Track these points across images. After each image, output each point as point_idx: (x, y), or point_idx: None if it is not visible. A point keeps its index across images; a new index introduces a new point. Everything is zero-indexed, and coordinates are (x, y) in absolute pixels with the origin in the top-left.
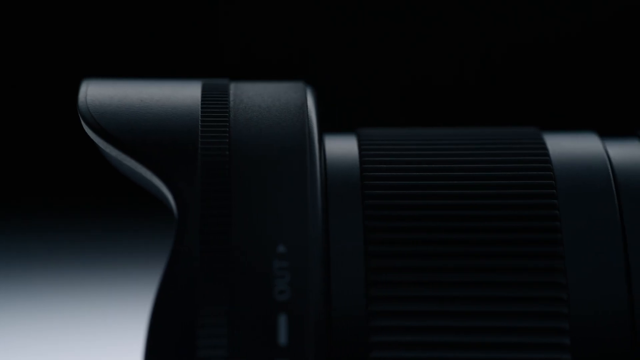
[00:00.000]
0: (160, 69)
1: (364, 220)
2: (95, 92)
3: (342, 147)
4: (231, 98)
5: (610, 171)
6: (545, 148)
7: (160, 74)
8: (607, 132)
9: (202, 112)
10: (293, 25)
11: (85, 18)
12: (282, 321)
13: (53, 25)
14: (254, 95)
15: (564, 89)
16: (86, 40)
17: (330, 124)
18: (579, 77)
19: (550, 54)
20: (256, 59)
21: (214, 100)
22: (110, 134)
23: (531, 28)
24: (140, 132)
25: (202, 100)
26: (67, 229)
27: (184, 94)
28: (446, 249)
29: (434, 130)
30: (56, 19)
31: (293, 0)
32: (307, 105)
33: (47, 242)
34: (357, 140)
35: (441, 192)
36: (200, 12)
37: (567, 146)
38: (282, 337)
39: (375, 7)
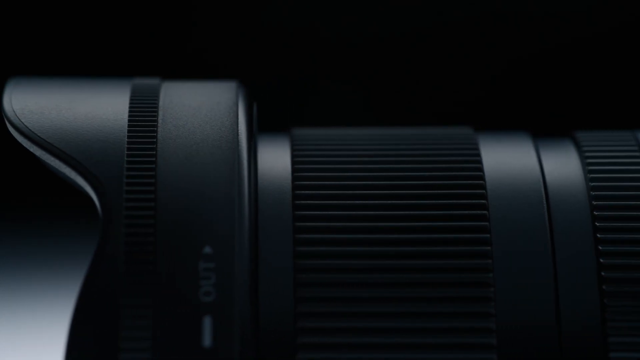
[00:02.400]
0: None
1: (294, 221)
2: (21, 92)
3: (275, 147)
4: (161, 97)
5: (540, 172)
6: (477, 148)
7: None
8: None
9: (130, 111)
10: (246, 26)
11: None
12: (207, 323)
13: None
14: (185, 95)
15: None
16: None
17: (279, 124)
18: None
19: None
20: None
21: (143, 99)
22: (35, 134)
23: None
24: (65, 133)
25: (130, 100)
26: None
27: (112, 93)
28: (374, 249)
29: (368, 130)
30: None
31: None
32: (238, 105)
33: None
34: (290, 140)
35: (370, 192)
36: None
37: (499, 147)
38: (207, 339)
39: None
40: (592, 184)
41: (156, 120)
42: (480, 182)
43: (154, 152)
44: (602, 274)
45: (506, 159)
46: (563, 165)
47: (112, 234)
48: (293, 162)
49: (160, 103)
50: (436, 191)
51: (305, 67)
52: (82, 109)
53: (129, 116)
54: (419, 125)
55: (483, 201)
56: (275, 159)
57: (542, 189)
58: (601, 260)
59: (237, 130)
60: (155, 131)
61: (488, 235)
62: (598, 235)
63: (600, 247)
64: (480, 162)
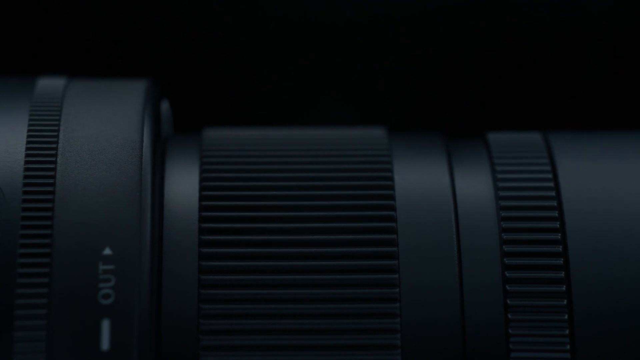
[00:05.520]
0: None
1: (200, 222)
2: None
3: (184, 148)
4: (66, 97)
5: (449, 175)
6: (388, 149)
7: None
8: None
9: (31, 111)
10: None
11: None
12: (105, 326)
13: None
14: (91, 94)
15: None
16: None
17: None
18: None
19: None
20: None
21: (46, 99)
22: None
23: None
24: None
25: (34, 99)
26: None
27: (15, 92)
28: (280, 250)
29: (280, 130)
30: None
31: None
32: (144, 105)
33: None
34: (200, 141)
35: (277, 193)
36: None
37: (410, 148)
38: (105, 343)
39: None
40: (500, 184)
41: (58, 120)
42: (389, 182)
43: (55, 152)
44: (506, 274)
45: (416, 161)
46: (472, 169)
47: (7, 234)
48: (201, 164)
49: (65, 102)
50: (343, 192)
51: (252, 66)
52: None
53: (30, 116)
54: (337, 125)
55: (391, 202)
56: (184, 160)
57: (450, 191)
58: (505, 261)
59: (142, 131)
60: (57, 130)
61: (395, 236)
62: (504, 236)
63: (505, 248)
64: (390, 162)
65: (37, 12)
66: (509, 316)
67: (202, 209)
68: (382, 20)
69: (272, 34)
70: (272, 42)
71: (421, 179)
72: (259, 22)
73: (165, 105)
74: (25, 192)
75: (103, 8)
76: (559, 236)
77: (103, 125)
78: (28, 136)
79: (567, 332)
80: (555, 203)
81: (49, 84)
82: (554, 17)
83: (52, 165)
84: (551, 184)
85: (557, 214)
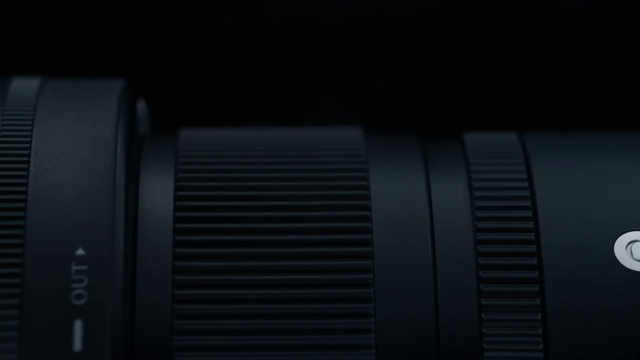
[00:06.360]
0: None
1: (175, 223)
2: None
3: (160, 148)
4: (40, 96)
5: (424, 175)
6: (363, 149)
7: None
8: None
9: (4, 110)
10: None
11: None
12: (78, 327)
13: None
14: (66, 94)
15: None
16: None
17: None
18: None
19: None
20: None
21: (19, 98)
22: None
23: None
24: None
25: (7, 98)
26: None
27: None
28: (254, 250)
29: (256, 131)
30: None
31: None
32: (118, 105)
33: None
34: (176, 141)
35: (252, 193)
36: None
37: (386, 149)
38: (77, 344)
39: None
40: (475, 184)
41: (32, 120)
42: (364, 182)
43: (28, 152)
44: (480, 274)
45: (392, 161)
46: (447, 169)
47: None
48: (177, 163)
49: (39, 102)
50: (319, 192)
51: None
52: None
53: (3, 116)
54: (313, 126)
55: (366, 202)
56: (159, 160)
57: (425, 191)
58: (480, 261)
59: (117, 131)
60: (31, 130)
61: (370, 236)
62: (478, 236)
63: (479, 248)
64: (366, 162)
65: (19, 10)
66: (483, 316)
67: (177, 209)
68: (382, 20)
69: (272, 34)
70: (271, 41)
71: (397, 179)
72: (258, 22)
73: (141, 105)
74: None
75: (102, 7)
76: (532, 236)
77: (77, 125)
78: (1, 136)
79: (540, 331)
80: (529, 203)
81: (23, 84)
82: (531, 18)
83: (25, 165)
84: (525, 184)
85: (531, 214)
